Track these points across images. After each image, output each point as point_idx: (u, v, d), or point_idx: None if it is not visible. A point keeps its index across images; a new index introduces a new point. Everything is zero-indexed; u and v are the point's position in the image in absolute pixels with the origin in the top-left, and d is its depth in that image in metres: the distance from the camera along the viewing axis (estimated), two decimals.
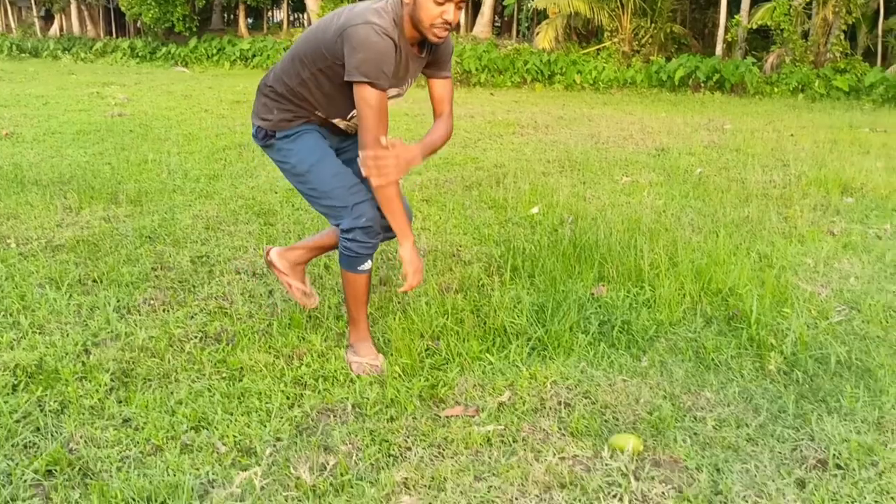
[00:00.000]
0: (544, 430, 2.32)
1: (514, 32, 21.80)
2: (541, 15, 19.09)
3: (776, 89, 13.47)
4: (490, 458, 2.17)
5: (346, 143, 2.80)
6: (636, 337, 2.94)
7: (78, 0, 30.74)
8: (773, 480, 2.07)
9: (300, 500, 1.98)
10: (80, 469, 2.10)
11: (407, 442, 2.26)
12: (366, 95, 2.37)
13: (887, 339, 2.97)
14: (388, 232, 2.71)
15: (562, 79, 15.87)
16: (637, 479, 2.07)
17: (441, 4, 2.33)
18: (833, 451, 2.17)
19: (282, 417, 2.38)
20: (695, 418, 2.39)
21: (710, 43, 16.96)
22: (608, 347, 2.86)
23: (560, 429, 2.32)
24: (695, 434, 2.29)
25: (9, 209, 4.74)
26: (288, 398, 2.50)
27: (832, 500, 1.98)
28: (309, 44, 2.53)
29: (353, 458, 2.17)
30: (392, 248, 4.01)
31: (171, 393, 2.51)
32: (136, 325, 3.03)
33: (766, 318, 3.05)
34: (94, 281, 3.53)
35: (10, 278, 3.51)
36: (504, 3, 20.80)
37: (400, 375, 2.63)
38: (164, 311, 3.21)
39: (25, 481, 2.04)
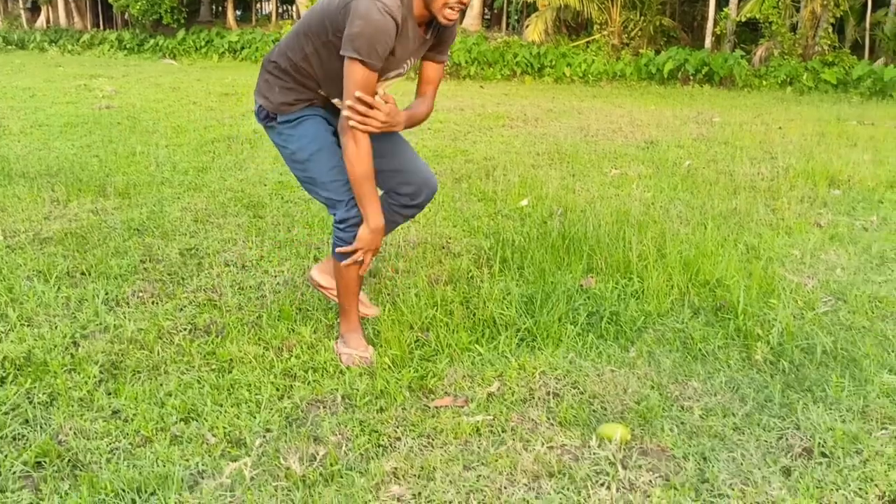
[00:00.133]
0: (533, 419, 2.33)
1: (503, 25, 21.79)
2: (530, 7, 19.08)
3: (765, 82, 13.52)
4: (479, 447, 2.18)
5: None
6: (624, 328, 2.96)
7: None
8: (759, 468, 2.09)
9: (290, 491, 1.99)
10: (69, 461, 2.10)
11: (396, 432, 2.27)
12: (353, 71, 2.33)
13: (873, 329, 3.00)
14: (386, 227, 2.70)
15: (551, 71, 15.88)
16: (625, 467, 2.09)
17: None
18: (818, 439, 2.20)
19: (271, 409, 2.38)
20: (682, 408, 2.41)
21: (699, 36, 16.99)
22: (596, 338, 2.87)
23: (549, 419, 2.34)
24: (682, 423, 2.31)
25: None
26: (278, 389, 2.50)
27: (817, 487, 2.00)
28: (314, 16, 2.49)
29: (343, 448, 2.18)
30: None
31: (161, 385, 2.51)
32: (124, 318, 3.02)
33: (752, 308, 3.08)
34: (83, 273, 3.52)
35: None
36: None
37: (390, 367, 2.64)
38: (153, 303, 3.21)
39: (14, 473, 2.04)
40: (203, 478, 2.05)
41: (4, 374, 2.54)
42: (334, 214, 2.61)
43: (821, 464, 2.11)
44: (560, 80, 15.61)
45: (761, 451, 2.18)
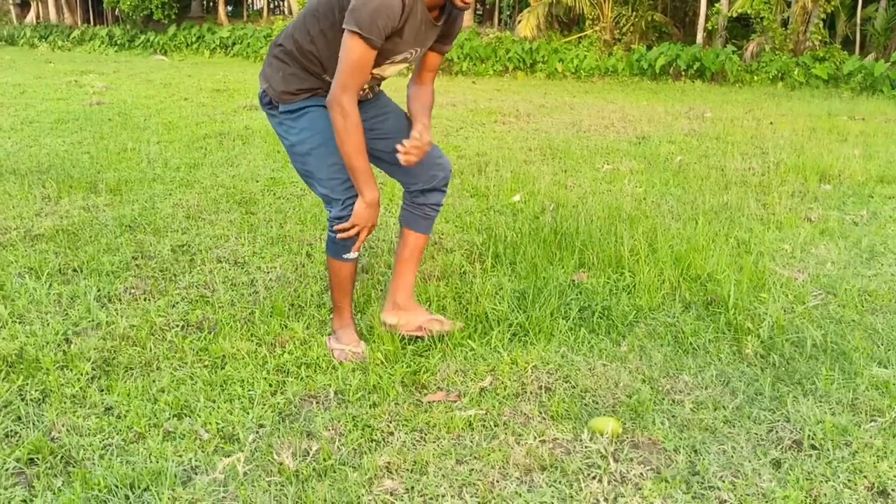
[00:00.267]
0: (525, 414, 2.35)
1: (495, 20, 21.77)
2: (522, 3, 19.08)
3: (756, 77, 13.55)
4: (472, 441, 2.19)
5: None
6: (616, 322, 2.97)
7: None
8: (750, 461, 2.10)
9: (283, 486, 2.00)
10: (62, 457, 2.11)
11: (389, 427, 2.27)
12: (351, 46, 2.27)
13: (862, 322, 3.02)
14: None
15: (544, 67, 15.88)
16: (616, 460, 2.10)
17: None
18: (808, 431, 2.22)
19: (264, 404, 2.39)
20: (673, 401, 2.42)
21: (690, 31, 17.01)
22: (588, 333, 2.89)
23: (541, 413, 2.35)
24: (673, 416, 2.33)
25: None
26: (270, 385, 2.51)
27: (807, 479, 2.02)
28: None
29: (336, 443, 2.19)
30: (372, 237, 4.02)
31: (154, 381, 2.52)
32: (117, 314, 3.02)
33: (743, 302, 3.10)
34: (75, 270, 3.51)
35: None
36: None
37: (382, 362, 2.64)
38: (145, 299, 3.20)
39: (7, 470, 2.04)
40: (196, 473, 2.05)
41: None
42: (330, 211, 2.60)
43: (810, 456, 2.12)
44: (552, 76, 15.62)
45: (751, 443, 2.19)
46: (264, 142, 6.94)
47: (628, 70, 14.97)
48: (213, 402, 2.40)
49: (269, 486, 1.99)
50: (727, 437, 2.23)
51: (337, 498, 1.94)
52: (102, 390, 2.46)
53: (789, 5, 14.20)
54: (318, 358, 2.68)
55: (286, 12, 26.50)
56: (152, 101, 10.03)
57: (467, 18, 20.42)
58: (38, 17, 32.37)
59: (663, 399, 2.44)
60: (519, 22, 17.58)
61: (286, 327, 2.92)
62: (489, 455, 2.12)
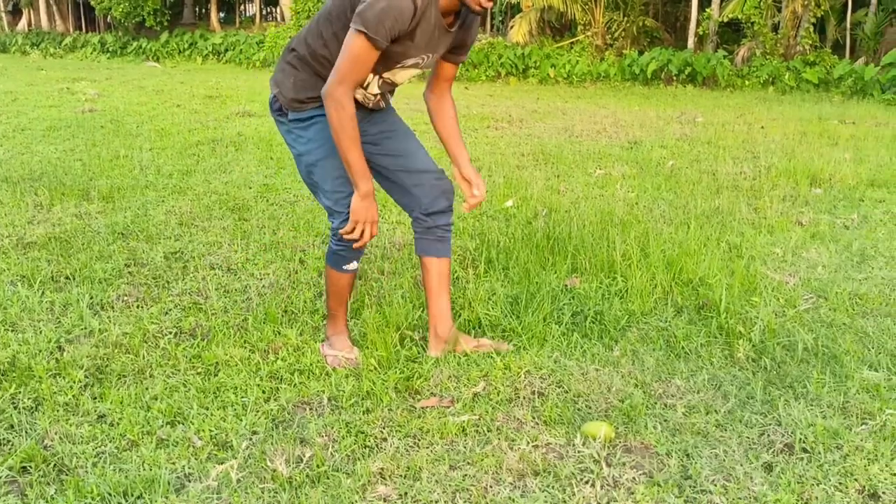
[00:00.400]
0: (518, 419, 2.35)
1: (487, 26, 21.82)
2: (514, 9, 19.12)
3: (747, 82, 13.62)
4: (465, 447, 2.20)
5: (364, 125, 2.57)
6: (608, 327, 2.98)
7: None
8: (741, 464, 2.11)
9: (276, 493, 2.00)
10: (55, 465, 2.10)
11: (383, 433, 2.28)
12: (354, 44, 2.25)
13: (853, 326, 3.04)
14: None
15: (536, 72, 15.93)
16: (609, 465, 2.11)
17: None
18: (799, 435, 2.23)
19: (258, 411, 2.39)
20: (665, 405, 2.43)
21: (681, 36, 17.09)
22: (581, 337, 2.90)
23: (533, 418, 2.36)
24: (665, 421, 2.34)
25: None
26: (264, 392, 2.51)
27: (798, 482, 2.03)
28: (336, 0, 2.41)
29: (330, 449, 2.19)
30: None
31: (147, 389, 2.51)
32: (109, 322, 3.02)
33: (735, 306, 3.11)
34: (67, 278, 3.51)
35: None
36: None
37: (375, 368, 2.65)
38: (137, 307, 3.20)
39: (0, 478, 2.04)
40: (189, 481, 2.05)
41: None
42: (332, 222, 2.59)
43: (802, 459, 2.14)
44: (544, 81, 15.67)
45: (743, 447, 2.20)
46: (257, 148, 6.94)
47: (620, 75, 15.03)
48: (207, 409, 2.39)
49: (263, 493, 1.99)
50: (719, 440, 2.24)
51: None
52: (95, 398, 2.45)
53: (780, 10, 14.28)
54: (311, 364, 2.68)
55: (278, 19, 26.51)
56: (144, 107, 10.02)
57: None
58: (29, 24, 32.32)
59: (655, 403, 2.44)
60: (511, 27, 17.64)
61: (279, 334, 2.92)
62: (482, 460, 2.13)
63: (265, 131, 7.95)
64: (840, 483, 2.03)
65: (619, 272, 3.49)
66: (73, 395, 2.45)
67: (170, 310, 3.17)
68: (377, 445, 2.22)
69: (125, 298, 3.29)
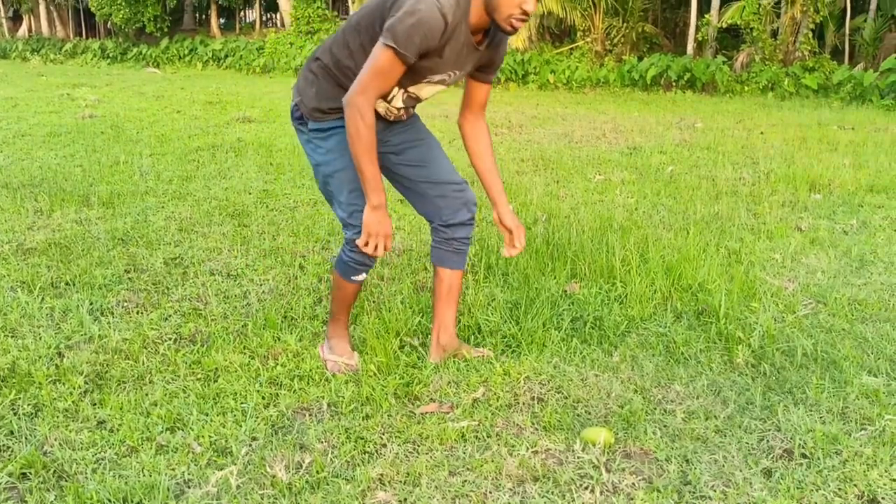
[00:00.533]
0: (517, 424, 2.35)
1: None
2: None
3: (746, 88, 13.63)
4: (464, 453, 2.20)
5: (386, 135, 2.58)
6: (608, 332, 2.98)
7: (47, 0, 30.35)
8: (741, 470, 2.11)
9: (276, 499, 2.00)
10: (55, 471, 2.10)
11: (382, 439, 2.28)
12: (381, 56, 2.22)
13: (852, 331, 3.04)
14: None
15: (535, 78, 15.94)
16: (608, 470, 2.11)
17: None
18: (799, 440, 2.23)
19: (257, 417, 2.39)
20: (665, 411, 2.43)
21: (681, 42, 17.11)
22: (580, 343, 2.90)
23: (533, 423, 2.36)
24: (665, 426, 2.34)
25: None
26: (263, 398, 2.51)
27: (797, 488, 2.03)
28: (365, 11, 2.38)
29: (329, 455, 2.19)
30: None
31: (146, 395, 2.51)
32: (109, 328, 3.02)
33: (734, 312, 3.12)
34: (67, 284, 3.51)
35: None
36: None
37: (375, 374, 2.65)
38: (137, 313, 3.20)
39: (0, 484, 2.04)
40: (189, 487, 2.05)
41: None
42: (346, 234, 2.57)
43: (801, 465, 2.14)
44: (544, 87, 15.68)
45: (743, 452, 2.21)
46: (257, 154, 6.95)
47: (619, 81, 15.05)
48: (206, 415, 2.40)
49: (262, 499, 2.00)
50: (718, 446, 2.24)
51: None
52: (95, 404, 2.46)
53: (778, 16, 14.30)
54: (311, 370, 2.68)
55: (279, 25, 26.55)
56: (145, 113, 10.04)
57: None
58: (30, 30, 32.37)
59: (655, 409, 2.45)
60: None
61: (279, 340, 2.92)
62: (482, 466, 2.13)
63: (265, 137, 7.97)
64: (839, 489, 2.03)
65: (618, 278, 3.49)
66: (73, 401, 2.45)
67: (169, 316, 3.18)
68: (377, 451, 2.22)
69: (125, 304, 3.29)
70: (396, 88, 2.42)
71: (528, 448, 2.22)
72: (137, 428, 2.30)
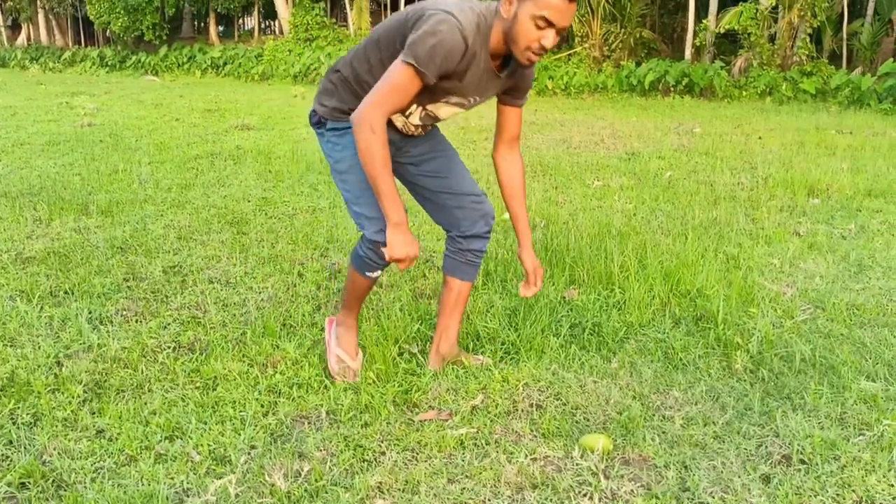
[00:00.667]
0: (516, 431, 2.35)
1: None
2: None
3: (744, 93, 13.66)
4: (463, 460, 2.20)
5: (405, 145, 2.59)
6: (606, 339, 2.99)
7: (45, 9, 30.42)
8: (739, 476, 2.12)
9: None
10: (53, 481, 2.10)
11: (381, 447, 2.28)
12: (399, 73, 2.20)
13: (850, 336, 3.04)
14: None
15: (533, 84, 15.96)
16: (607, 477, 2.11)
17: (542, 29, 2.16)
18: (797, 446, 2.23)
19: (256, 425, 2.39)
20: (663, 417, 2.44)
21: (678, 47, 17.15)
22: (579, 349, 2.90)
23: (532, 430, 2.36)
24: (663, 433, 2.34)
25: None
26: (262, 406, 2.51)
27: (796, 494, 2.04)
28: (386, 27, 2.37)
29: (328, 463, 2.19)
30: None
31: (145, 403, 2.52)
32: (108, 336, 3.02)
33: (732, 318, 3.12)
34: (66, 292, 3.51)
35: None
36: None
37: (374, 381, 2.65)
38: (136, 321, 3.21)
39: None
40: (188, 496, 2.05)
41: None
42: (364, 232, 2.55)
43: (799, 470, 2.14)
44: (542, 93, 15.71)
45: (741, 458, 2.21)
46: (255, 161, 6.96)
47: (618, 86, 15.07)
48: (205, 423, 2.40)
49: None
50: (717, 452, 2.24)
51: None
52: (94, 413, 2.46)
53: (776, 21, 14.34)
54: (309, 378, 2.68)
55: (277, 32, 26.60)
56: (143, 121, 10.05)
57: None
58: (28, 38, 32.44)
59: (653, 415, 2.45)
60: None
61: (278, 347, 2.93)
62: (481, 473, 2.13)
63: (264, 145, 7.98)
64: (838, 494, 2.03)
65: (616, 284, 3.49)
66: (72, 411, 2.45)
67: (168, 324, 3.18)
68: (375, 459, 2.22)
69: (124, 313, 3.30)
70: (415, 105, 2.40)
71: (526, 455, 2.22)
72: (136, 437, 2.30)
